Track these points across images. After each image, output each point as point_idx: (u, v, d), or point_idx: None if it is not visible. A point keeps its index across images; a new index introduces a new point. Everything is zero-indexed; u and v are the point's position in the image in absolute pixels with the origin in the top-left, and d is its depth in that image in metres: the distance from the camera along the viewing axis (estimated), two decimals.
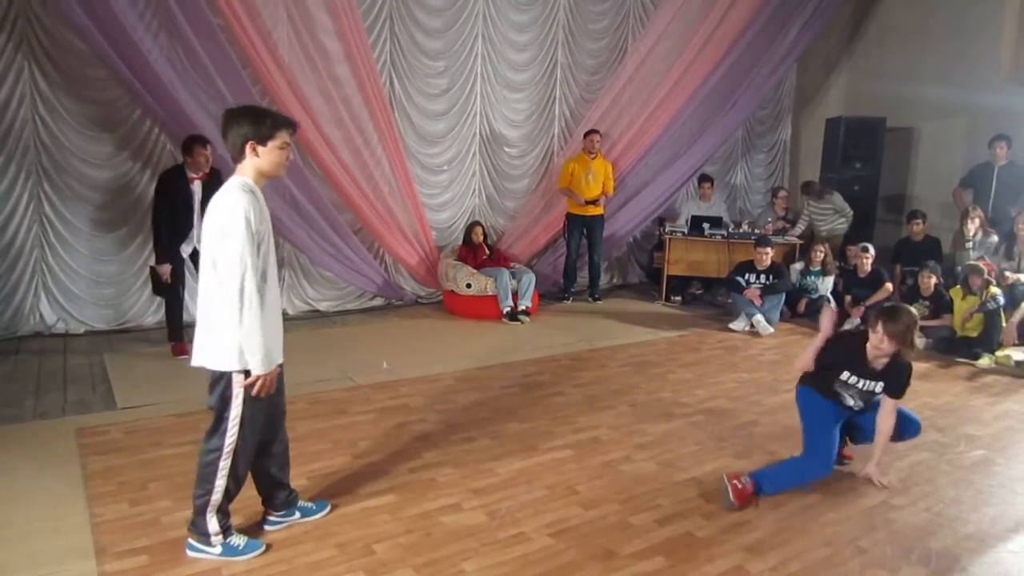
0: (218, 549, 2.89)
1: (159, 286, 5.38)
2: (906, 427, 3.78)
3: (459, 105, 7.40)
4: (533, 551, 3.04)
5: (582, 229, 7.63)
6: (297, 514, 3.18)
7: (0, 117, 5.46)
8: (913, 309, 3.71)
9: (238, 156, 2.72)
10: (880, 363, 3.62)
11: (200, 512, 2.88)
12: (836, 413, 3.73)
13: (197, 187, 5.27)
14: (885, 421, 3.69)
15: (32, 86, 5.53)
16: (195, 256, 5.45)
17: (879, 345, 3.53)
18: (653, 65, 7.96)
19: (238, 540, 2.94)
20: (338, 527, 3.18)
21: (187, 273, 5.47)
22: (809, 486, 3.63)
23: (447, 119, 7.38)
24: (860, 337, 3.67)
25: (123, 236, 6.00)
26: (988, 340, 5.99)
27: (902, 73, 8.43)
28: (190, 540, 2.92)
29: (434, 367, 5.41)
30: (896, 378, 3.64)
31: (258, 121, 2.68)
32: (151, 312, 6.12)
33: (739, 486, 3.48)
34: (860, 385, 3.65)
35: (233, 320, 2.64)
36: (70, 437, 3.99)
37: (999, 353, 5.92)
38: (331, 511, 3.28)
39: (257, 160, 2.72)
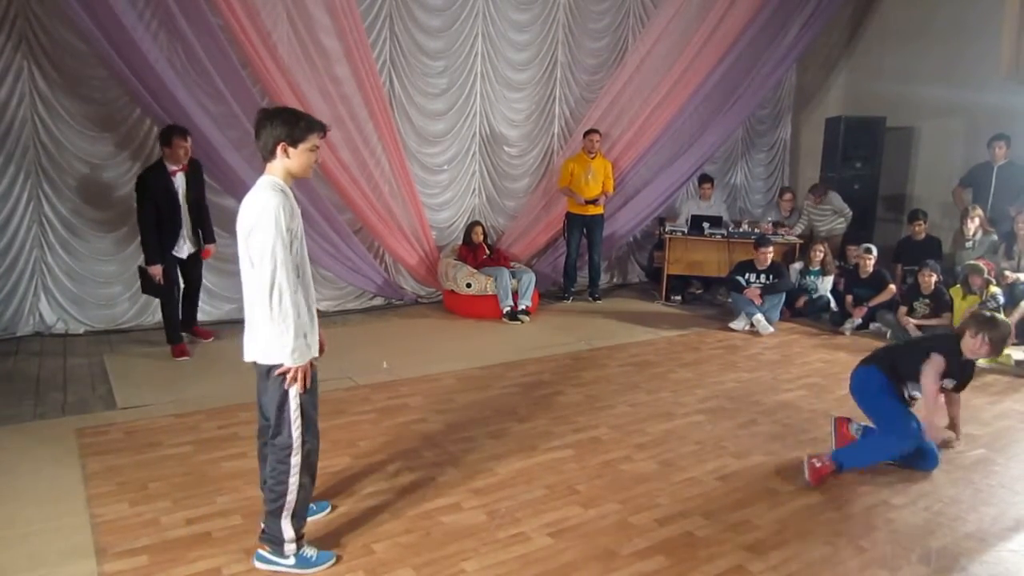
0: (291, 560, 2.82)
1: (149, 286, 5.33)
2: (925, 458, 3.90)
3: (459, 104, 7.40)
4: (533, 551, 3.04)
5: (582, 229, 7.63)
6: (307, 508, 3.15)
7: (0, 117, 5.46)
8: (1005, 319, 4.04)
9: (269, 156, 2.75)
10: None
11: (275, 516, 2.81)
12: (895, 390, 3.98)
13: (180, 180, 5.22)
14: (953, 407, 4.13)
15: (31, 86, 5.53)
16: (191, 259, 5.46)
17: (977, 350, 3.81)
18: (653, 65, 7.96)
19: (310, 551, 2.89)
20: (338, 527, 3.18)
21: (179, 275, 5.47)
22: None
23: (447, 119, 7.38)
24: (953, 340, 3.93)
25: (123, 236, 5.99)
26: None
27: (902, 73, 8.43)
28: (260, 551, 2.86)
29: (434, 367, 5.41)
30: (966, 376, 3.97)
31: (291, 123, 2.71)
32: (151, 312, 6.12)
33: (816, 465, 3.68)
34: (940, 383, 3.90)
35: (265, 311, 2.67)
36: (70, 437, 3.99)
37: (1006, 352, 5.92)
38: (331, 511, 3.28)
39: (288, 161, 2.74)
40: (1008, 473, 3.94)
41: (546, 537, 3.14)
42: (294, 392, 2.76)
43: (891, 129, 8.33)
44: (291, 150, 2.72)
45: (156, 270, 5.22)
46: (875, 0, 8.81)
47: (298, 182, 2.92)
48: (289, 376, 2.74)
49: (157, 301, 5.66)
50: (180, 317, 5.53)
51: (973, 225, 6.94)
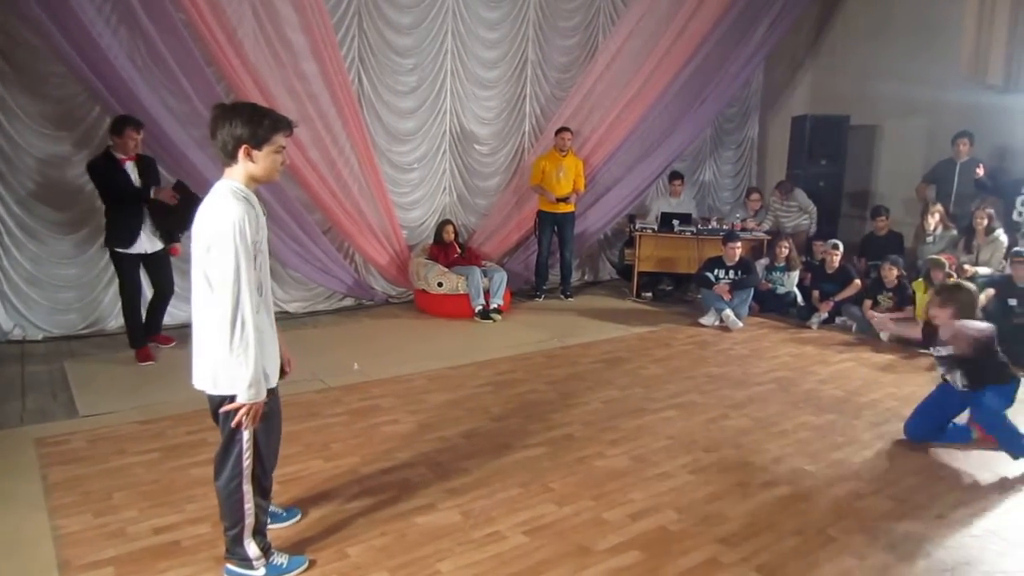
0: (261, 572, 2.75)
1: (163, 213, 5.07)
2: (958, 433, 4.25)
3: (429, 102, 7.36)
4: (508, 549, 3.03)
5: (553, 227, 7.65)
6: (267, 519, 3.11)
7: None
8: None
9: (229, 159, 2.48)
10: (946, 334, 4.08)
11: (237, 542, 2.71)
12: (941, 396, 4.24)
13: (131, 168, 5.06)
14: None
15: None
16: (156, 259, 5.33)
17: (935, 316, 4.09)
18: (623, 63, 7.99)
19: (280, 559, 2.82)
20: (311, 531, 3.14)
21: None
22: None
23: (417, 117, 7.34)
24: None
25: (83, 238, 5.84)
26: None
27: (865, 72, 8.57)
28: (229, 566, 2.77)
29: (406, 367, 5.37)
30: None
31: (254, 121, 2.44)
32: (114, 316, 5.97)
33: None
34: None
35: (224, 342, 2.43)
36: (29, 447, 3.88)
37: None
38: (302, 518, 3.23)
39: (251, 165, 2.49)
40: (969, 460, 4.03)
41: (521, 535, 3.14)
42: (246, 423, 2.56)
43: (855, 127, 8.47)
44: (255, 153, 2.47)
45: (166, 190, 5.02)
46: (840, 0, 8.95)
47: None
48: (240, 413, 2.51)
49: (120, 303, 5.51)
50: (143, 320, 5.40)
51: (934, 221, 7.09)
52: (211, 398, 2.64)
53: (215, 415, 2.67)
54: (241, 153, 2.48)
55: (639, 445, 4.11)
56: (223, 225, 2.40)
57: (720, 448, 4.10)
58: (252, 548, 2.75)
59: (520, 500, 3.44)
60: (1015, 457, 3.96)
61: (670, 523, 3.27)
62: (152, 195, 5.07)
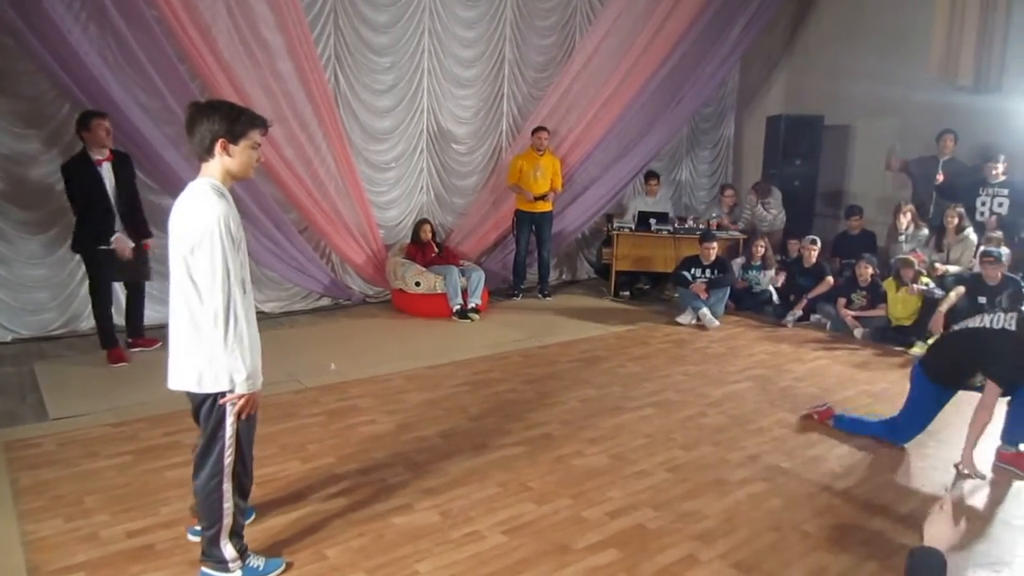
0: (237, 574, 2.73)
1: (114, 269, 5.05)
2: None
3: (406, 101, 7.33)
4: (486, 549, 3.03)
5: (531, 226, 7.65)
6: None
7: None
8: None
9: (206, 154, 2.51)
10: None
11: (214, 543, 2.69)
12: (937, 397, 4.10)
13: (106, 171, 4.98)
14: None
15: None
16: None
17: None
18: (600, 62, 8.01)
19: (257, 561, 2.79)
20: (288, 533, 3.11)
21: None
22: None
23: (394, 115, 7.30)
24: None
25: (53, 238, 5.73)
26: (922, 329, 6.20)
27: (838, 72, 8.67)
28: (204, 569, 2.75)
29: (383, 367, 5.35)
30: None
31: (231, 117, 2.49)
32: (85, 317, 5.87)
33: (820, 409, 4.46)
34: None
35: (218, 338, 2.46)
36: None
37: (931, 341, 6.13)
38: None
39: (228, 160, 2.51)
40: (940, 455, 4.09)
41: (500, 535, 3.13)
42: (231, 420, 2.60)
43: (829, 127, 8.57)
44: (232, 147, 2.50)
45: (121, 241, 4.95)
46: (814, 1, 9.05)
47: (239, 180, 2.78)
48: (239, 405, 2.57)
49: (89, 306, 5.43)
50: (125, 321, 5.33)
51: (906, 220, 7.19)
52: (194, 397, 2.63)
53: (196, 414, 2.66)
54: (218, 147, 2.50)
55: (617, 443, 4.12)
56: (208, 222, 2.42)
57: (697, 446, 4.13)
58: (229, 550, 2.72)
59: (498, 500, 3.44)
60: None
61: (648, 521, 3.29)
62: (111, 242, 4.98)
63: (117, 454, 3.81)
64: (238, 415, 2.61)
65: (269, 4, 6.07)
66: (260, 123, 2.58)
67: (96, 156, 4.95)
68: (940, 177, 7.01)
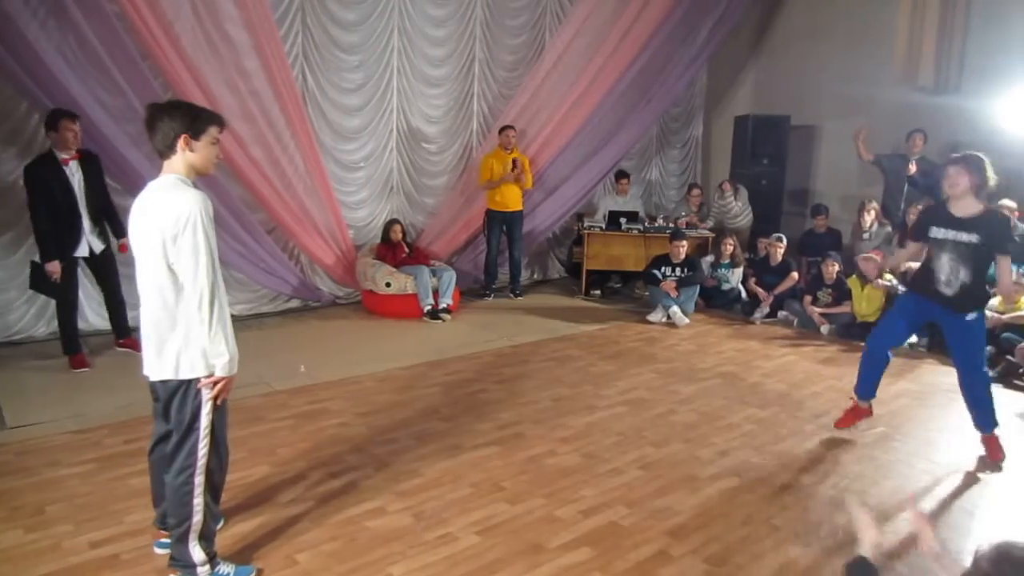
0: None
1: (42, 283, 4.94)
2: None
3: (375, 100, 7.27)
4: (460, 550, 3.01)
5: (502, 226, 7.65)
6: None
7: None
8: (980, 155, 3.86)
9: (168, 151, 2.58)
10: (965, 210, 3.79)
11: (182, 541, 2.66)
12: (913, 308, 4.11)
13: (74, 169, 4.88)
14: (1003, 276, 3.86)
15: None
16: (103, 259, 5.16)
17: (951, 185, 3.79)
18: (570, 62, 8.03)
19: (226, 568, 2.76)
20: (258, 538, 3.06)
21: (81, 277, 5.16)
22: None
23: (363, 114, 7.24)
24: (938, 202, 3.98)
25: (9, 241, 5.55)
26: None
27: (804, 73, 8.79)
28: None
29: (354, 369, 5.30)
30: (994, 229, 3.75)
31: (190, 115, 2.58)
32: (44, 322, 5.74)
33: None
34: (951, 237, 3.80)
35: (203, 321, 2.52)
36: None
37: None
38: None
39: (191, 155, 2.59)
40: (905, 448, 4.18)
41: (473, 536, 3.12)
42: (207, 410, 2.63)
43: (795, 127, 8.68)
44: (194, 143, 2.58)
45: (54, 267, 4.84)
46: (780, 2, 9.16)
47: (204, 179, 2.78)
48: (219, 387, 2.62)
49: (52, 307, 5.30)
50: (110, 323, 5.24)
51: (870, 218, 7.32)
52: (167, 388, 2.63)
53: (167, 408, 2.67)
54: (181, 143, 2.57)
55: (590, 442, 4.13)
56: (188, 210, 2.47)
57: (669, 443, 4.16)
58: (197, 552, 2.68)
59: (472, 500, 3.43)
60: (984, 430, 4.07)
61: (621, 518, 3.30)
62: (44, 264, 4.85)
63: (79, 462, 3.72)
64: (214, 401, 2.63)
65: (234, 1, 5.98)
66: (218, 120, 2.67)
67: (63, 155, 4.85)
68: (912, 168, 7.10)
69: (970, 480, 3.85)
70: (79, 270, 5.19)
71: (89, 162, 4.99)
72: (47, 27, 5.30)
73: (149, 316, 2.61)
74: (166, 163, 2.61)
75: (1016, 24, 6.98)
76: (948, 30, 7.32)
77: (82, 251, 5.01)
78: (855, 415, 4.36)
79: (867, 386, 4.29)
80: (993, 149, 6.68)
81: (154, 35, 5.51)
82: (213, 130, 2.63)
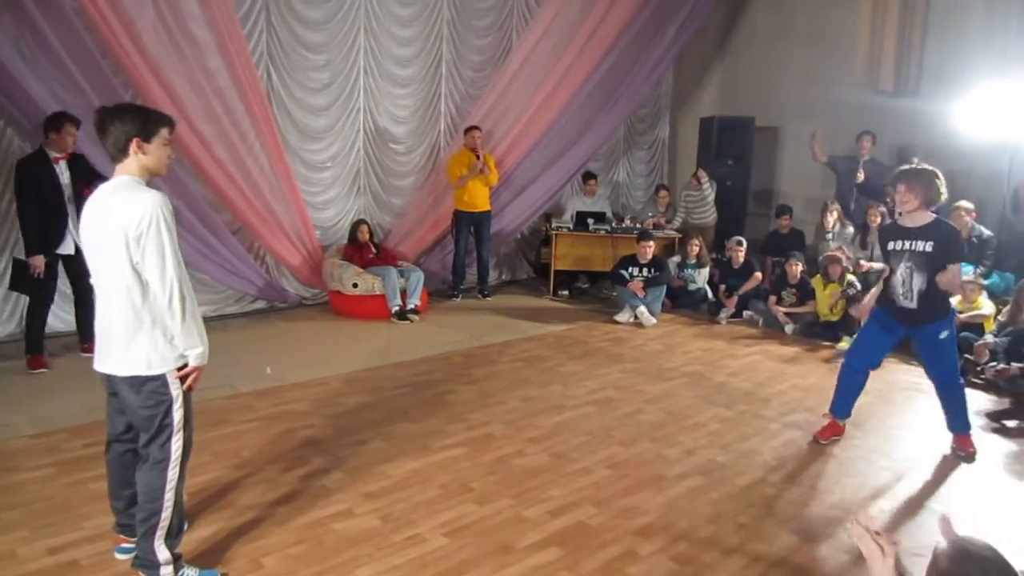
0: None
1: (22, 281, 4.94)
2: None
3: (342, 100, 7.21)
4: (429, 552, 3.00)
5: (470, 226, 7.63)
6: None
7: None
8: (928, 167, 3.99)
9: (120, 155, 2.58)
10: (916, 221, 3.91)
11: (148, 537, 2.63)
12: (882, 322, 4.16)
13: (63, 168, 4.94)
14: (946, 275, 3.84)
15: None
16: (71, 258, 5.05)
17: (902, 203, 3.91)
18: (537, 63, 8.05)
19: (191, 572, 2.72)
20: (223, 542, 3.02)
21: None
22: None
23: (329, 114, 7.18)
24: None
25: None
26: (848, 324, 6.43)
27: (768, 75, 8.92)
28: None
29: (321, 370, 5.25)
30: (943, 238, 3.84)
31: (141, 117, 2.59)
32: (0, 323, 5.60)
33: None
34: (907, 247, 3.91)
35: (175, 316, 2.53)
36: None
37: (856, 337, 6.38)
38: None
39: (144, 158, 2.59)
40: (866, 446, 4.26)
41: (441, 537, 3.12)
42: (179, 403, 2.63)
43: (760, 128, 8.80)
44: (146, 145, 2.58)
45: (38, 261, 4.87)
46: (744, 5, 9.29)
47: (167, 178, 2.78)
48: (192, 378, 2.65)
49: (8, 310, 5.18)
50: (76, 326, 5.20)
51: (832, 218, 7.45)
52: (133, 384, 2.59)
53: (133, 405, 2.63)
54: (133, 146, 2.57)
55: (558, 442, 4.15)
56: (150, 209, 2.48)
57: (637, 442, 4.19)
58: (162, 552, 2.65)
59: (440, 501, 3.42)
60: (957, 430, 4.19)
61: (589, 518, 3.32)
62: (26, 258, 4.90)
63: (37, 467, 3.63)
64: (185, 394, 2.65)
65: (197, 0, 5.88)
66: (168, 121, 2.68)
67: (54, 154, 4.90)
68: (860, 176, 7.29)
69: (929, 476, 3.94)
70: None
71: (76, 162, 5.02)
72: (2, 23, 5.16)
73: (115, 315, 2.58)
74: (119, 166, 2.61)
75: (973, 28, 7.17)
76: (908, 34, 7.50)
77: (66, 248, 4.99)
78: (832, 431, 4.34)
79: (843, 404, 4.32)
80: (950, 151, 6.98)
81: (115, 33, 5.41)
82: (164, 131, 2.64)
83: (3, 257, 5.55)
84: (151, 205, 2.48)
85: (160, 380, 2.60)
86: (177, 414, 2.64)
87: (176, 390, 2.63)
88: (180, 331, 2.56)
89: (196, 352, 2.62)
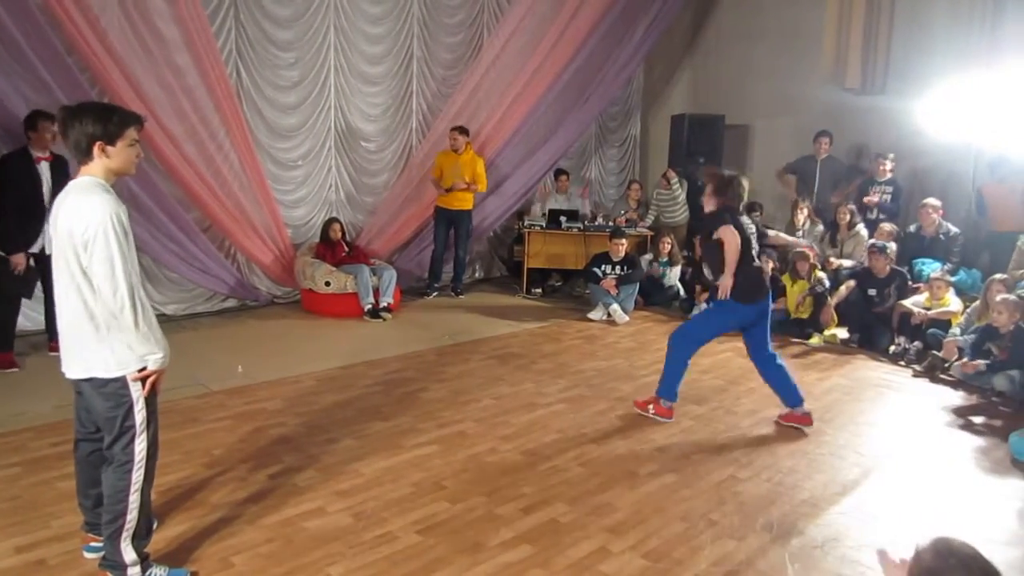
0: None
1: (3, 279, 4.90)
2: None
3: (312, 98, 7.16)
4: (400, 550, 3.00)
5: (449, 224, 7.62)
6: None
7: None
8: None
9: (84, 157, 2.52)
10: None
11: (113, 539, 2.60)
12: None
13: (44, 169, 4.96)
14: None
15: None
16: (41, 257, 4.98)
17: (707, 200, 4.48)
18: (508, 61, 8.06)
19: (159, 571, 2.69)
20: (192, 540, 3.00)
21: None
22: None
23: (300, 112, 7.12)
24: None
25: None
26: (818, 321, 6.53)
27: (737, 73, 9.03)
28: None
29: (293, 369, 5.22)
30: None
31: (104, 119, 2.50)
32: None
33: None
34: None
35: (128, 325, 2.47)
36: None
37: (827, 332, 6.49)
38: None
39: (108, 160, 2.53)
40: (836, 442, 4.32)
41: (414, 535, 3.11)
42: (140, 405, 2.59)
43: (729, 126, 8.89)
44: (110, 148, 2.52)
45: (19, 259, 4.88)
46: (712, 4, 9.37)
47: (137, 176, 2.73)
48: (151, 381, 2.59)
49: None
50: (46, 325, 5.16)
51: (802, 216, 7.56)
52: (92, 386, 2.56)
53: (95, 407, 2.61)
54: (96, 150, 2.52)
55: (531, 439, 4.16)
56: (100, 217, 2.42)
57: (609, 440, 4.22)
58: (128, 552, 2.63)
59: (412, 499, 3.42)
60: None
61: (560, 515, 3.33)
62: (9, 255, 4.91)
63: (4, 466, 3.58)
64: (146, 394, 2.60)
65: None
66: (134, 120, 2.59)
67: (37, 154, 4.92)
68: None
69: (898, 472, 4.00)
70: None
71: (58, 165, 5.03)
72: None
73: (70, 316, 2.55)
74: (83, 167, 2.55)
75: (938, 27, 7.30)
76: (874, 32, 7.62)
77: (37, 247, 4.97)
78: (801, 419, 4.49)
79: (785, 395, 4.51)
80: (916, 149, 7.12)
81: (79, 29, 5.32)
82: (130, 132, 2.56)
83: None
84: (100, 212, 2.42)
85: (120, 382, 2.56)
86: (139, 416, 2.60)
87: (137, 392, 2.58)
88: (135, 338, 2.51)
89: (155, 357, 2.57)
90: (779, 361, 4.53)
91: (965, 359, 5.26)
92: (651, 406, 4.55)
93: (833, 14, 7.77)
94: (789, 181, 7.95)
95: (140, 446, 2.61)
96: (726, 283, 4.29)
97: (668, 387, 4.53)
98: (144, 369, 2.57)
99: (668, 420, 4.49)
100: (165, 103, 5.97)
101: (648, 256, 7.88)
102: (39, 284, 5.13)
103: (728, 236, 4.25)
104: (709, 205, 4.49)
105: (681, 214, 8.49)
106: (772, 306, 6.81)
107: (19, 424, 4.06)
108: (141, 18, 5.79)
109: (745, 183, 4.50)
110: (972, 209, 7.01)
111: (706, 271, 4.57)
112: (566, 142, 8.85)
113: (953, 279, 6.29)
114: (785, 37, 8.52)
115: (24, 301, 5.18)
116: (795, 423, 4.46)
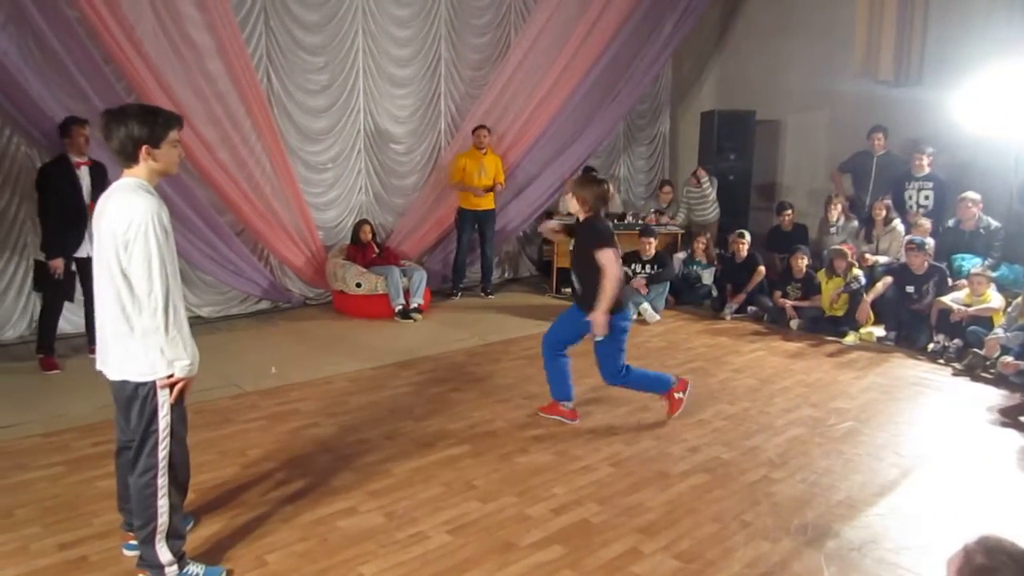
0: None
1: (44, 282, 5.05)
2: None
3: (341, 101, 7.23)
4: (432, 549, 3.02)
5: (473, 224, 7.64)
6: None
7: None
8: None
9: (129, 160, 2.56)
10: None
11: (148, 542, 2.64)
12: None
13: (84, 174, 5.07)
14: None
15: None
16: (85, 262, 5.10)
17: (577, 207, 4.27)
18: (535, 61, 8.05)
19: (196, 569, 2.74)
20: (228, 539, 3.05)
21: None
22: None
23: (329, 116, 7.19)
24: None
25: None
26: (853, 319, 6.42)
27: (768, 68, 8.90)
28: None
29: (325, 370, 5.27)
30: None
31: (149, 121, 2.53)
32: (11, 325, 5.66)
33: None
34: None
35: (159, 327, 2.50)
36: None
37: (863, 330, 6.38)
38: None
39: (154, 163, 2.58)
40: (873, 443, 4.24)
41: (445, 535, 3.13)
42: (165, 411, 2.62)
43: (760, 122, 8.79)
44: (156, 151, 2.56)
45: (57, 263, 4.99)
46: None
47: (172, 181, 2.79)
48: (178, 388, 2.61)
49: (19, 312, 5.24)
50: (86, 329, 5.24)
51: (836, 212, 7.42)
52: (126, 388, 2.60)
53: (127, 409, 2.64)
54: (142, 153, 2.55)
55: (561, 440, 4.16)
56: (140, 218, 2.45)
57: (640, 440, 4.19)
58: (164, 553, 2.67)
59: (443, 499, 3.43)
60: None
61: (592, 516, 3.32)
62: (46, 260, 5.04)
63: (48, 465, 3.68)
64: (173, 401, 2.62)
65: (196, 4, 5.91)
66: (176, 121, 2.63)
67: (76, 159, 5.02)
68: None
69: (938, 472, 3.91)
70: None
71: (97, 170, 5.14)
72: (8, 31, 5.20)
73: (107, 318, 2.59)
74: (127, 170, 2.59)
75: (975, 15, 7.11)
76: (908, 23, 7.44)
77: (83, 251, 5.05)
78: (565, 413, 4.47)
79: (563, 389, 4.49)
80: (954, 141, 6.94)
81: (116, 39, 5.44)
82: (173, 134, 2.60)
83: (14, 259, 5.64)
84: (142, 212, 2.45)
85: (147, 387, 2.58)
86: (163, 421, 2.62)
87: (163, 398, 2.60)
88: (164, 342, 2.52)
89: (182, 364, 2.58)
90: (567, 358, 4.50)
91: (1009, 358, 5.12)
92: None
93: (864, 5, 7.61)
94: (840, 180, 7.77)
95: (163, 452, 2.63)
96: (599, 319, 4.07)
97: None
98: (172, 376, 2.59)
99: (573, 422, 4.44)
100: (198, 109, 6.07)
101: (681, 255, 7.81)
102: (79, 287, 5.26)
103: (610, 266, 4.02)
104: (583, 212, 4.26)
105: (712, 212, 8.40)
106: (814, 303, 6.74)
107: (61, 425, 4.16)
108: (174, 26, 5.90)
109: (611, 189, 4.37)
110: (1014, 202, 6.81)
111: (575, 281, 4.39)
112: (594, 141, 8.82)
113: (994, 275, 6.11)
114: (816, 29, 8.39)
115: (65, 304, 5.31)
116: (558, 415, 4.46)
